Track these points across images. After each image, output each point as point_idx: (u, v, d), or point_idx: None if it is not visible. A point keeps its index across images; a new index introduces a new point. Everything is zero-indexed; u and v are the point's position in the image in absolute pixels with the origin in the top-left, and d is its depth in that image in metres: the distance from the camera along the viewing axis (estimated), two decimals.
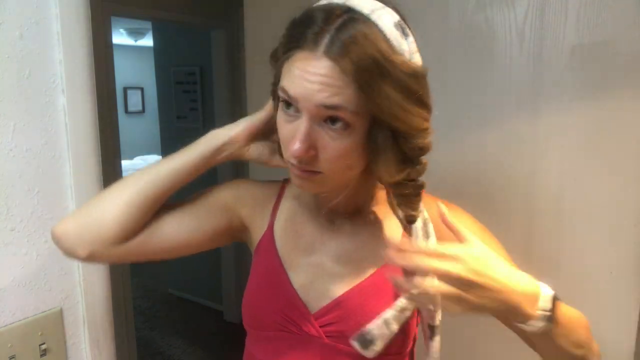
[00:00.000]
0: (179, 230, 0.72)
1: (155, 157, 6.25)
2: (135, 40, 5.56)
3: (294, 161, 0.60)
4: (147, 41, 5.25)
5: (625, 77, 0.95)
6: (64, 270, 0.72)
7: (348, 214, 0.73)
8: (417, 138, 0.60)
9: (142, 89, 6.67)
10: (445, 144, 1.16)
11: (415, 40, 0.60)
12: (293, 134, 0.58)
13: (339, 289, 0.69)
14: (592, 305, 1.04)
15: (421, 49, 0.62)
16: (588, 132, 1.00)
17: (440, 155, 1.18)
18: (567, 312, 0.63)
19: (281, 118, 0.62)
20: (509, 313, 0.58)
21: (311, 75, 0.56)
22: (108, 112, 2.31)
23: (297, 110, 0.59)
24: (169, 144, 3.82)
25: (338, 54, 0.54)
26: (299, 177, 0.62)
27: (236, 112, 3.16)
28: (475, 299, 0.54)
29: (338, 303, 0.68)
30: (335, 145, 0.58)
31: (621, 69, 0.96)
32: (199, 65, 3.58)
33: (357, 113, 0.56)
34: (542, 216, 1.07)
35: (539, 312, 0.58)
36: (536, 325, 0.58)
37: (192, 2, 2.84)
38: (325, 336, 0.69)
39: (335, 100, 0.55)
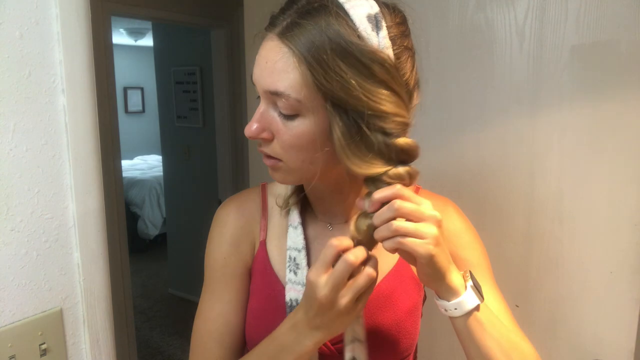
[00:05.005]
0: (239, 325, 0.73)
1: (155, 157, 6.25)
2: (135, 40, 5.56)
3: (259, 148, 0.61)
4: (147, 41, 5.25)
5: (625, 77, 0.95)
6: (64, 270, 0.72)
7: (344, 217, 0.72)
8: (382, 122, 0.55)
9: (142, 89, 6.66)
10: (444, 144, 1.16)
11: (410, 41, 0.60)
12: None
13: None
14: (592, 305, 1.04)
15: (421, 49, 0.62)
16: (588, 132, 1.00)
17: (440, 155, 1.18)
18: (494, 317, 0.62)
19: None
20: (445, 273, 0.56)
21: (262, 59, 0.57)
22: (108, 112, 2.31)
23: None
24: (169, 144, 3.78)
25: (289, 33, 0.54)
26: (267, 165, 0.63)
27: (236, 112, 3.16)
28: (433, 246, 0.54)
29: None
30: (286, 131, 0.58)
31: (621, 69, 0.95)
32: (199, 65, 3.59)
33: (301, 102, 0.55)
34: (542, 216, 1.07)
35: (468, 284, 0.58)
36: (464, 302, 0.57)
37: (192, 2, 2.84)
38: (338, 353, 0.67)
39: (277, 86, 0.55)
